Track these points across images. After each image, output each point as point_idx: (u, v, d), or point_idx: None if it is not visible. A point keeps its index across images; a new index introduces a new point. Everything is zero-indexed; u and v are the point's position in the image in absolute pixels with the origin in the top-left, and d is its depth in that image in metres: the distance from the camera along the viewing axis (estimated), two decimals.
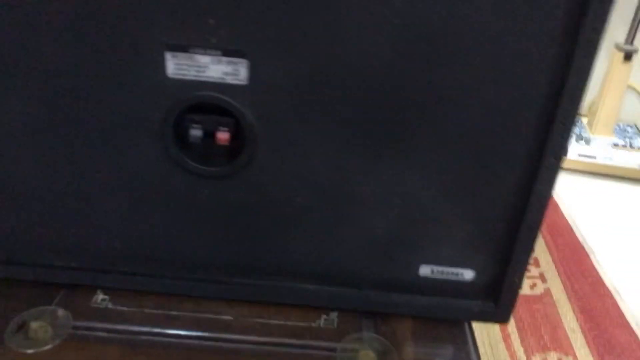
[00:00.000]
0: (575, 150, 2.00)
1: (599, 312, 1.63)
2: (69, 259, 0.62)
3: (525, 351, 1.36)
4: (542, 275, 1.65)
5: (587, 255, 1.86)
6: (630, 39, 1.82)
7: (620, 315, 1.65)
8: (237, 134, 0.54)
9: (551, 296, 1.63)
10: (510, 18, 0.46)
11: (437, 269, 0.60)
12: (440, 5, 0.46)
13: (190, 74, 0.51)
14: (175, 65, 0.50)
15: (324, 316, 0.62)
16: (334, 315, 0.63)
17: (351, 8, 0.47)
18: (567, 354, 1.43)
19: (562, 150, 0.51)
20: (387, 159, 0.54)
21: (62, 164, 0.56)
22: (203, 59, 0.50)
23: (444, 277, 0.60)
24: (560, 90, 0.49)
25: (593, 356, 1.45)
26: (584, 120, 2.11)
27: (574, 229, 2.04)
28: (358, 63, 0.49)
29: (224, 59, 0.50)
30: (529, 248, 0.57)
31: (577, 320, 1.58)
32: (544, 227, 0.77)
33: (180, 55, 0.50)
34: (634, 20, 1.79)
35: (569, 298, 1.67)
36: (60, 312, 0.59)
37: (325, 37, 0.48)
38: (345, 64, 0.49)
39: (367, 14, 0.47)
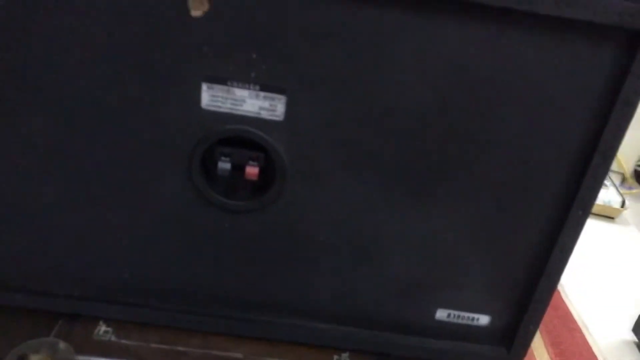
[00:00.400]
0: None
1: (569, 346, 1.66)
2: (72, 287, 0.58)
3: None
4: None
5: (556, 289, 1.90)
6: None
7: (589, 349, 1.69)
8: (266, 169, 0.52)
9: None
10: (553, 73, 0.47)
11: (454, 313, 0.60)
12: (487, 56, 0.46)
13: (225, 106, 0.49)
14: (211, 97, 0.49)
15: (335, 356, 0.61)
16: (345, 355, 0.61)
17: (397, 53, 0.46)
18: None
19: (590, 204, 0.52)
20: (416, 201, 0.54)
21: (78, 189, 0.53)
22: (240, 93, 0.49)
23: (460, 321, 0.60)
24: (594, 146, 0.50)
25: None
26: None
27: None
28: (397, 106, 0.49)
29: (262, 93, 0.49)
30: (548, 296, 0.57)
31: (549, 353, 1.61)
32: None
33: (217, 87, 0.48)
34: None
35: (540, 332, 1.70)
36: (62, 344, 0.56)
37: (367, 79, 0.48)
38: (384, 106, 0.49)
39: (413, 58, 0.47)
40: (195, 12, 0.45)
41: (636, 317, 1.86)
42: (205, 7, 0.45)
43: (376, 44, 0.46)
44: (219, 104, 0.49)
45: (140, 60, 0.47)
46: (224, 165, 0.52)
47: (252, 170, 0.52)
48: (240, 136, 0.50)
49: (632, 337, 1.86)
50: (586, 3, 0.43)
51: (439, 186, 0.53)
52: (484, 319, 0.60)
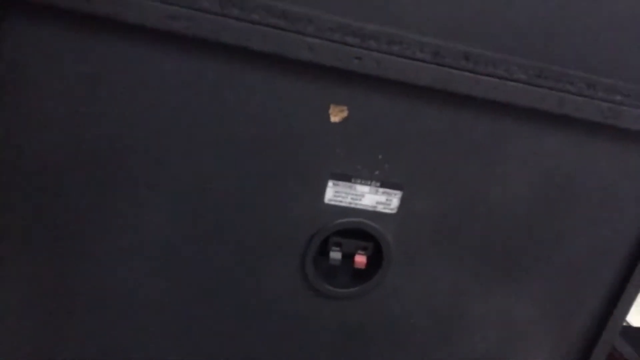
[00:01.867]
0: None
1: None
2: None
3: None
4: None
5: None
6: None
7: None
8: (372, 258, 0.56)
9: None
10: (623, 176, 0.56)
11: None
12: (575, 160, 0.54)
13: (346, 200, 0.53)
14: (334, 193, 0.52)
15: None
16: None
17: (504, 156, 0.53)
18: None
19: None
20: (499, 284, 0.59)
21: (187, 284, 0.53)
22: (362, 189, 0.53)
23: None
24: None
25: None
26: None
27: None
28: (499, 202, 0.55)
29: (381, 189, 0.53)
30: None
31: None
32: None
33: (342, 184, 0.52)
34: None
35: None
36: None
37: (475, 177, 0.54)
38: (487, 201, 0.55)
39: (516, 161, 0.54)
40: (335, 118, 0.49)
41: None
42: (345, 113, 0.49)
43: (487, 148, 0.53)
44: (340, 198, 0.53)
45: (277, 159, 0.50)
46: (336, 254, 0.55)
47: (361, 259, 0.55)
48: (356, 228, 0.54)
49: None
50: None
51: (520, 269, 0.59)
52: None
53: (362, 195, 0.53)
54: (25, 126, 0.45)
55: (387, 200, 0.54)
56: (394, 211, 0.54)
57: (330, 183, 0.52)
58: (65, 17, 0.42)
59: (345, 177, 0.52)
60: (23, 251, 0.50)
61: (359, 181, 0.52)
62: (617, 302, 0.62)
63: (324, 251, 0.55)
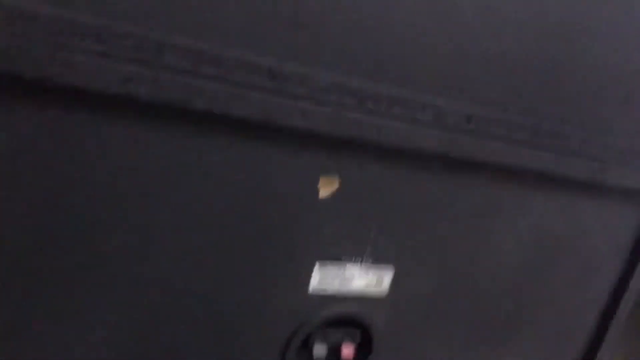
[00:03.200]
0: None
1: None
2: None
3: None
4: None
5: None
6: None
7: None
8: (361, 346, 0.48)
9: None
10: (605, 230, 0.54)
11: None
12: (559, 219, 0.51)
13: (332, 287, 0.44)
14: (320, 279, 0.44)
15: None
16: None
17: (494, 222, 0.48)
18: None
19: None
20: (490, 350, 0.55)
21: None
22: (351, 270, 0.45)
23: None
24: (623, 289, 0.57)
25: None
26: None
27: None
28: (490, 271, 0.50)
29: (372, 267, 0.45)
30: None
31: None
32: None
33: (330, 267, 0.44)
34: None
35: None
36: None
37: (468, 249, 0.48)
38: (479, 272, 0.50)
39: (506, 226, 0.49)
40: (324, 194, 0.41)
41: None
42: (335, 187, 0.41)
43: (481, 214, 0.47)
44: (326, 286, 0.44)
45: (257, 243, 0.40)
46: (320, 350, 0.46)
47: (348, 351, 0.47)
48: (345, 318, 0.46)
49: None
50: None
51: (510, 332, 0.55)
52: None
53: (351, 278, 0.45)
54: None
55: (377, 281, 0.46)
56: (384, 293, 0.47)
57: (316, 267, 0.43)
58: None
59: (334, 259, 0.44)
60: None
61: (348, 261, 0.44)
62: (599, 348, 0.60)
63: (306, 343, 0.46)
